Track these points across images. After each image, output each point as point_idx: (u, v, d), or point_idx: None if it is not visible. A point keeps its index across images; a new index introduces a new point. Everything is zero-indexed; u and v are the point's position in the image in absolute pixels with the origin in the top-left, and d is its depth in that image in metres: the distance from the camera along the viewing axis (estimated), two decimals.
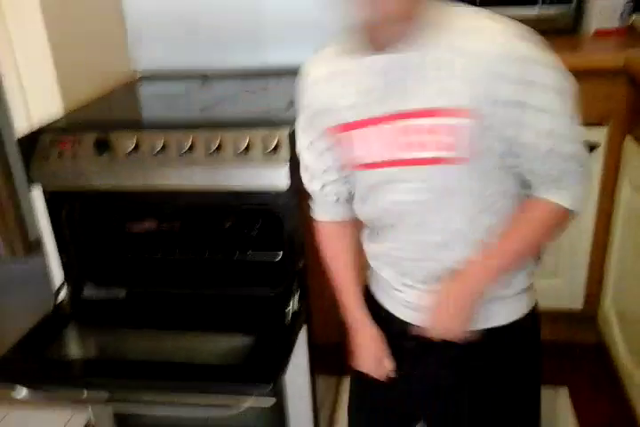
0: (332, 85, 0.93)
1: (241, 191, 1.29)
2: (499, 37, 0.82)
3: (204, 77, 1.77)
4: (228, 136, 1.27)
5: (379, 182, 0.95)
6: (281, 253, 1.45)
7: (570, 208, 0.91)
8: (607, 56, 1.75)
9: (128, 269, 1.53)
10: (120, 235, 1.57)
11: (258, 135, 1.27)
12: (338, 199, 1.06)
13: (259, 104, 1.55)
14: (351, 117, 0.92)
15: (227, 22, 1.75)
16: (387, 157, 0.91)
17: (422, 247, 0.96)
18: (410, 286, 1.01)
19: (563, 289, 1.93)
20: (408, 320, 1.03)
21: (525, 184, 0.93)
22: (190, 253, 1.52)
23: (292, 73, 1.69)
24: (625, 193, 1.71)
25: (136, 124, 1.41)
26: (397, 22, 0.83)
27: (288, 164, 1.24)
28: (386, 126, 0.89)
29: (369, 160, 0.93)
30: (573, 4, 1.92)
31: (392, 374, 1.07)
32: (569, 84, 0.85)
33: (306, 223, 1.39)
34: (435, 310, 0.96)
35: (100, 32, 1.68)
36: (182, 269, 1.51)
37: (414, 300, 1.01)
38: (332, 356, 1.65)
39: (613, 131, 1.74)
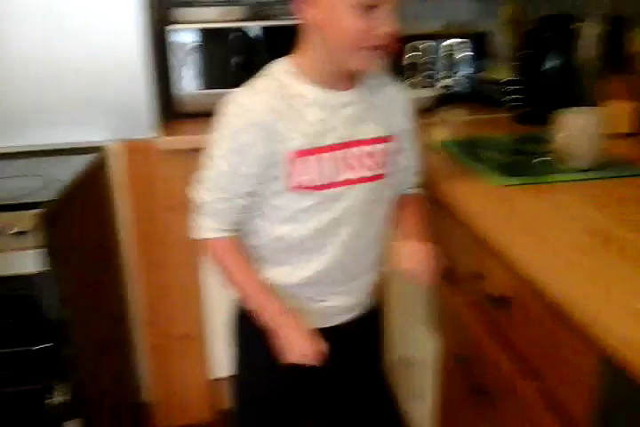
0: (285, 115, 1.00)
1: None
2: (395, 83, 1.14)
3: None
4: None
5: (319, 202, 1.05)
6: (50, 343, 1.36)
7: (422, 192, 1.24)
8: None
9: None
10: None
11: (3, 220, 1.21)
12: (237, 219, 1.09)
13: (14, 186, 1.48)
14: (300, 145, 1.01)
15: None
16: (335, 178, 1.04)
17: (352, 256, 1.11)
18: (335, 293, 1.14)
19: None
20: (327, 325, 1.15)
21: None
22: None
23: (55, 153, 1.69)
24: None
25: None
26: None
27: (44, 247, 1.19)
28: (337, 153, 1.04)
29: (318, 183, 1.04)
30: None
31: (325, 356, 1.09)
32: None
33: (73, 310, 1.34)
34: (419, 260, 1.12)
35: None
36: None
37: (337, 303, 1.15)
38: None
39: None
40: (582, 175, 1.20)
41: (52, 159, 1.66)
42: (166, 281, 1.82)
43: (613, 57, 1.49)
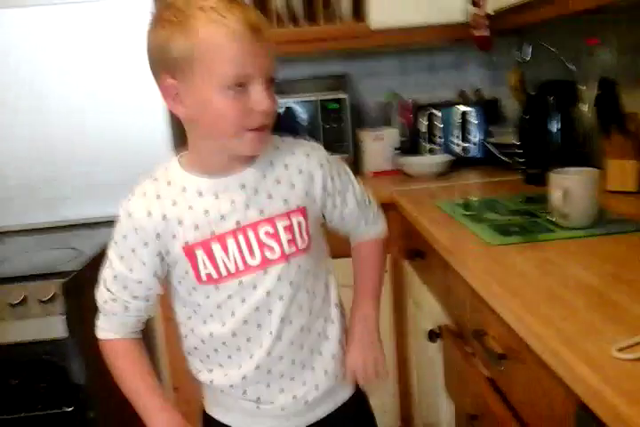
0: (169, 213, 0.95)
1: (21, 344, 1.29)
2: (305, 151, 1.03)
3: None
4: (2, 291, 1.30)
5: (232, 295, 0.98)
6: (72, 407, 1.42)
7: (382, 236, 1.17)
8: (380, 193, 2.02)
9: None
10: None
11: (34, 288, 1.30)
12: (137, 322, 1.05)
13: (47, 257, 1.59)
14: (195, 238, 0.95)
15: (22, 181, 1.83)
16: (240, 267, 0.96)
17: (292, 342, 1.01)
18: (288, 388, 1.04)
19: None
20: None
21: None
22: None
23: (88, 226, 1.80)
24: (410, 309, 1.89)
25: None
26: None
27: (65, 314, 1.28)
28: (234, 240, 0.96)
29: (223, 274, 0.96)
30: (351, 152, 2.22)
31: None
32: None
33: (94, 374, 1.40)
34: (362, 351, 1.10)
35: None
36: None
37: (294, 399, 1.04)
38: None
39: (395, 257, 1.95)
40: (579, 233, 1.22)
41: (84, 232, 1.78)
42: None
43: (612, 118, 1.54)
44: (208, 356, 1.04)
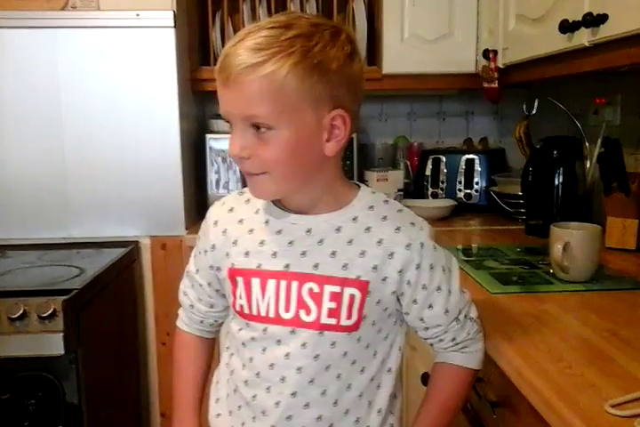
0: (232, 230, 0.91)
1: (17, 358, 1.30)
2: (399, 224, 0.87)
3: (4, 248, 1.81)
4: (2, 304, 1.31)
5: (255, 338, 0.89)
6: (61, 426, 1.41)
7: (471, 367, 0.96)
8: None
9: None
10: None
11: (34, 303, 1.31)
12: (202, 322, 1.02)
13: (51, 274, 1.60)
14: (241, 263, 0.89)
15: (31, 196, 1.85)
16: (270, 313, 0.87)
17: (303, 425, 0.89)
18: None
19: None
20: None
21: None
22: None
23: (94, 245, 1.82)
24: (406, 352, 1.89)
25: None
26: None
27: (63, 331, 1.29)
28: (273, 282, 0.87)
29: (250, 310, 0.89)
30: None
31: None
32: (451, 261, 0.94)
33: (88, 394, 1.40)
34: None
35: None
36: None
37: None
38: None
39: None
40: (577, 287, 1.25)
41: (89, 251, 1.80)
42: None
43: (614, 176, 1.58)
44: (228, 394, 0.96)
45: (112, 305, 1.72)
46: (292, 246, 0.86)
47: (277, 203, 0.89)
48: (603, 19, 1.22)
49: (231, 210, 0.93)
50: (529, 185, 1.77)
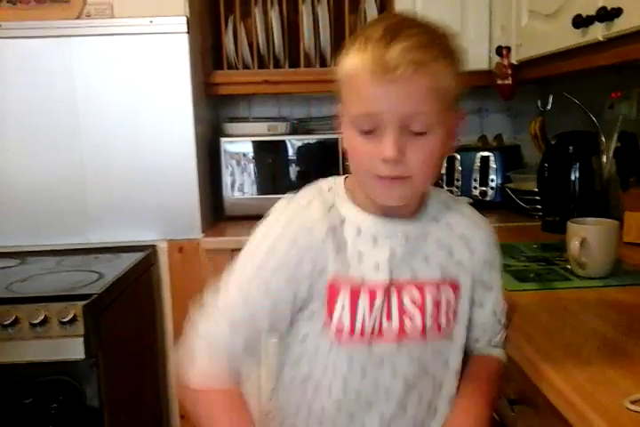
0: (324, 240, 0.82)
1: (38, 363, 1.31)
2: (477, 219, 0.92)
3: (24, 255, 1.84)
4: (23, 310, 1.33)
5: (354, 360, 0.82)
6: None
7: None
8: None
9: None
10: None
11: (54, 308, 1.33)
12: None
13: (70, 279, 1.62)
14: (339, 277, 0.82)
15: (50, 203, 1.88)
16: (375, 330, 0.82)
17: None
18: None
19: None
20: None
21: None
22: None
23: (112, 250, 1.84)
24: None
25: None
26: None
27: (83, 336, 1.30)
28: (379, 293, 0.82)
29: (356, 331, 0.82)
30: None
31: None
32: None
33: (109, 397, 1.42)
34: None
35: None
36: None
37: None
38: None
39: None
40: (595, 283, 1.24)
41: (108, 256, 1.82)
42: None
43: (631, 171, 1.56)
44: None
45: (131, 309, 1.74)
46: (394, 256, 0.83)
47: (358, 205, 0.85)
48: (617, 13, 1.20)
49: (323, 216, 0.83)
50: (545, 181, 1.76)
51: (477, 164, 2.25)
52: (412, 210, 0.86)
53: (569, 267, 1.31)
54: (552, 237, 1.64)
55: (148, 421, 1.85)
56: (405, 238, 0.84)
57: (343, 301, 0.81)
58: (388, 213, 0.84)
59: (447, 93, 0.78)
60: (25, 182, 1.87)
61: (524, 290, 1.22)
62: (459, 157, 2.28)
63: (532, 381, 0.90)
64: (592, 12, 1.26)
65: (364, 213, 0.85)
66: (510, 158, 2.27)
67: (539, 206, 1.86)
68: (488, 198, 2.22)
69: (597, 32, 1.29)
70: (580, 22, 1.32)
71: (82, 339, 1.32)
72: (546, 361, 0.89)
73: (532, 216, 1.95)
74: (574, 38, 1.38)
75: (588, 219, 1.33)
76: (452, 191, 2.28)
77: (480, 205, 2.18)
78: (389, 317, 0.82)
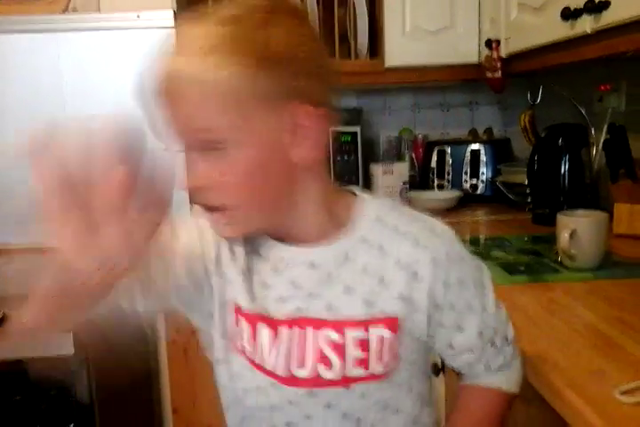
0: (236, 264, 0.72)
1: (27, 359, 1.31)
2: (417, 234, 0.72)
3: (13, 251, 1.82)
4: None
5: (266, 393, 0.71)
6: (72, 425, 1.42)
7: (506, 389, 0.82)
8: None
9: None
10: None
11: None
12: None
13: None
14: (247, 306, 0.70)
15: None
16: (278, 370, 0.69)
17: None
18: None
19: None
20: None
21: None
22: None
23: None
24: None
25: None
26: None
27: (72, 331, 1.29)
28: (284, 333, 0.69)
29: (257, 360, 0.71)
30: (361, 185, 2.26)
31: None
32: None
33: (99, 393, 1.41)
34: None
35: None
36: None
37: None
38: None
39: None
40: (585, 275, 1.24)
41: None
42: (196, 370, 1.88)
43: (620, 163, 1.57)
44: None
45: None
46: (295, 287, 0.70)
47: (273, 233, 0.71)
48: (605, 5, 1.20)
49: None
50: (535, 174, 1.76)
51: (468, 157, 2.26)
52: (321, 231, 0.70)
53: (559, 259, 1.32)
54: (542, 229, 1.64)
55: (140, 414, 1.85)
56: (312, 266, 0.69)
57: (247, 330, 0.70)
58: (295, 238, 0.70)
59: (238, 95, 0.61)
60: (9, 180, 1.84)
61: (514, 283, 1.23)
62: (449, 150, 2.28)
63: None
64: (580, 5, 1.26)
65: (268, 235, 0.71)
66: (500, 151, 2.27)
67: (529, 199, 1.86)
68: (479, 192, 2.22)
69: (586, 25, 1.29)
70: (569, 14, 1.32)
71: (70, 334, 1.30)
72: (535, 353, 0.89)
73: (522, 209, 1.96)
74: (563, 31, 1.38)
75: (578, 211, 1.34)
76: (442, 185, 2.28)
77: (471, 198, 2.19)
78: (303, 361, 0.69)
